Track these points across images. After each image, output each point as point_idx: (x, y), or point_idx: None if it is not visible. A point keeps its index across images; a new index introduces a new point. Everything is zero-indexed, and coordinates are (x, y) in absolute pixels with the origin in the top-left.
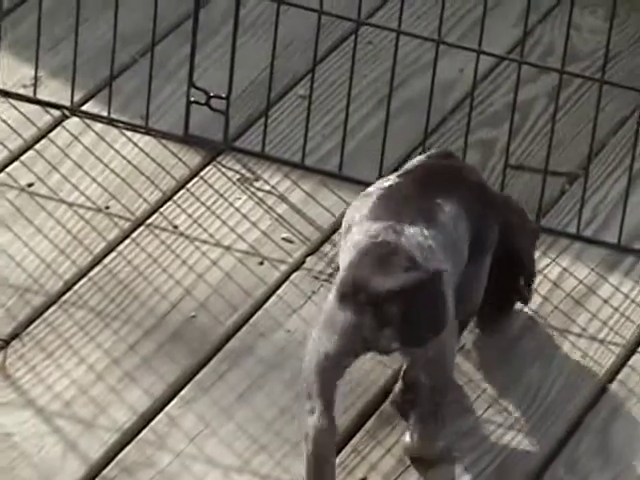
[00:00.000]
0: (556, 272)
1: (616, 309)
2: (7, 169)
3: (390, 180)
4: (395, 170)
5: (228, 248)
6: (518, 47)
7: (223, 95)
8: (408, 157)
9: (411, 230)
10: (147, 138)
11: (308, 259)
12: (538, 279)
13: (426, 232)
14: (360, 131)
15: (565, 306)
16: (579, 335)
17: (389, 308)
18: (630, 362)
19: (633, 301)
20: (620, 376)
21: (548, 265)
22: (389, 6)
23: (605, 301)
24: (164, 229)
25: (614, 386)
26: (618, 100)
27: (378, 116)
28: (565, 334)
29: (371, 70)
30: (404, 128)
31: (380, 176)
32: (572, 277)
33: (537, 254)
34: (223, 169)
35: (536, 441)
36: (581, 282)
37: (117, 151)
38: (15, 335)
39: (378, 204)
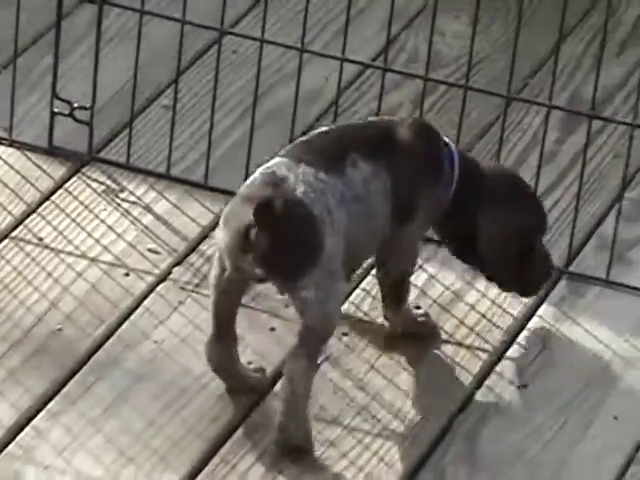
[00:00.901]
0: (423, 279)
1: (483, 315)
2: None
3: (326, 127)
4: None
5: (94, 260)
6: (383, 54)
7: (87, 106)
8: None
9: (306, 169)
10: (11, 150)
11: (175, 270)
12: None
13: (322, 176)
14: (225, 141)
15: (432, 313)
16: (446, 341)
17: (254, 233)
18: (497, 368)
19: (500, 307)
20: (488, 382)
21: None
22: (253, 14)
23: (472, 307)
24: (29, 242)
25: (482, 392)
26: (483, 106)
27: (243, 125)
28: (432, 340)
29: (236, 79)
30: (269, 137)
31: None
32: (439, 284)
33: None
34: (88, 180)
35: (404, 448)
36: (448, 288)
37: None
38: None
39: (297, 145)
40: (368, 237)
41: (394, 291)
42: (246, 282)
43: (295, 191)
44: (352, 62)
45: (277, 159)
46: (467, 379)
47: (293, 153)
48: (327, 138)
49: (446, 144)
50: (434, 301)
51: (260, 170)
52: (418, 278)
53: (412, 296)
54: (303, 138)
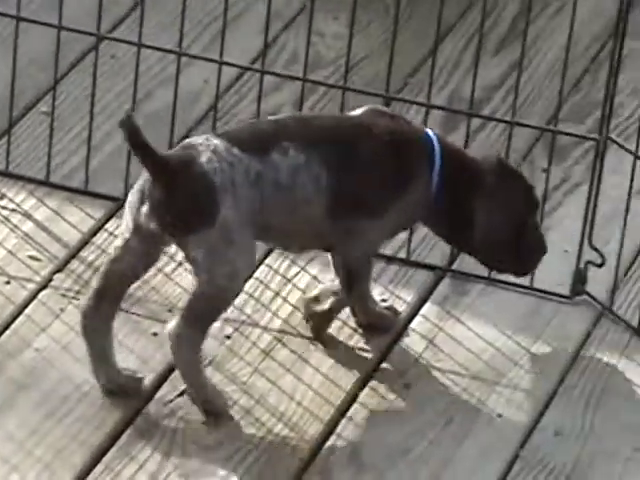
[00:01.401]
0: (305, 280)
1: None
2: None
3: (282, 115)
4: None
5: None
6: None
7: None
8: None
9: (220, 142)
10: None
11: (56, 277)
12: (288, 288)
13: (235, 151)
14: (105, 146)
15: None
16: (330, 343)
17: (149, 188)
18: (381, 368)
19: (384, 300)
20: (372, 383)
21: (297, 274)
22: (132, 18)
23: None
24: None
25: (366, 393)
26: (363, 105)
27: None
28: (316, 342)
29: (115, 84)
30: (150, 141)
31: (126, 192)
32: (321, 285)
33: (285, 264)
34: None
35: (289, 451)
36: None
37: None
38: None
39: (239, 125)
40: (297, 225)
41: (346, 282)
42: (140, 256)
43: (198, 155)
44: (230, 65)
45: (212, 134)
46: (351, 380)
47: (227, 130)
48: (273, 123)
49: (426, 138)
50: None
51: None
52: (301, 279)
53: (294, 299)
54: (254, 120)
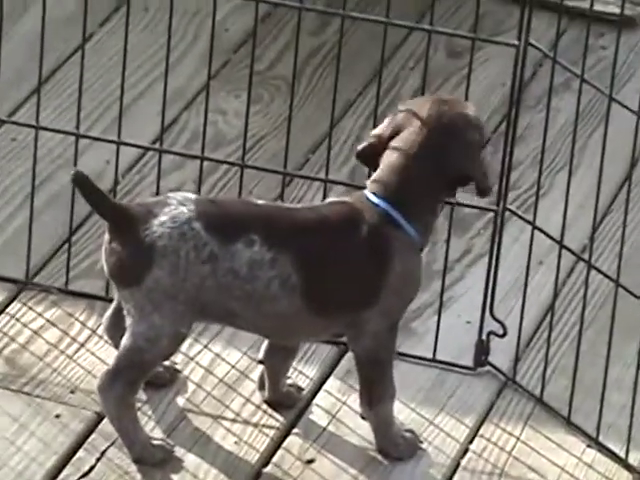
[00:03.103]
0: (208, 358)
1: None
2: None
3: (265, 202)
4: None
5: None
6: (165, 135)
7: None
8: (54, 254)
9: (185, 212)
10: None
11: None
12: (190, 366)
13: (195, 225)
14: (6, 229)
15: (218, 392)
16: (233, 420)
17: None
18: (284, 444)
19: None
20: (275, 459)
21: (200, 352)
22: (32, 102)
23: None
24: None
25: (269, 469)
26: (266, 183)
27: (24, 212)
28: (219, 420)
29: (16, 167)
30: (51, 223)
31: (27, 275)
32: (224, 362)
33: (189, 342)
34: None
35: None
36: (233, 367)
37: None
38: None
39: (222, 202)
40: (268, 320)
41: (363, 384)
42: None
43: (156, 215)
44: (129, 145)
45: (193, 195)
46: (254, 457)
47: (209, 201)
48: (252, 209)
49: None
50: (220, 380)
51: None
52: (203, 357)
53: (197, 377)
54: (229, 198)
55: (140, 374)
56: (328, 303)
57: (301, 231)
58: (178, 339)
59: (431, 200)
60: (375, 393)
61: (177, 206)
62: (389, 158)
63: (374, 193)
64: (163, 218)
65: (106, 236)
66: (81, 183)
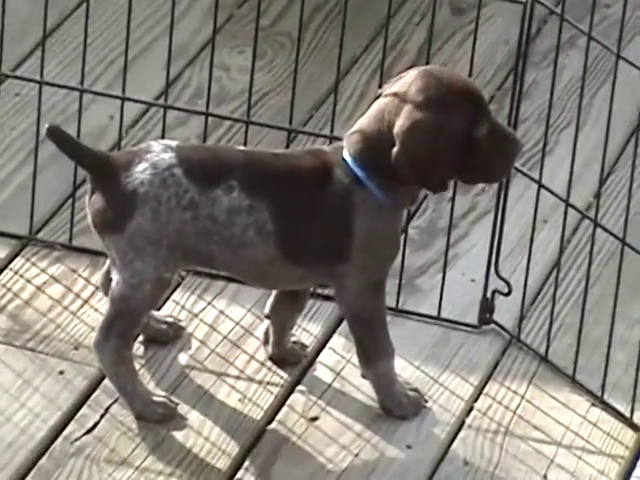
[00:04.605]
0: (212, 315)
1: None
2: None
3: (249, 149)
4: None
5: None
6: (169, 90)
7: None
8: (58, 210)
9: (168, 159)
10: None
11: None
12: (194, 323)
13: (176, 171)
14: (10, 184)
15: (222, 349)
16: (237, 377)
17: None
18: (289, 401)
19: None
20: (279, 416)
21: (204, 309)
22: (37, 55)
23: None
24: None
25: (273, 426)
26: (269, 139)
27: (28, 168)
28: (223, 377)
29: (20, 122)
30: (54, 179)
31: (30, 230)
32: (228, 319)
33: (193, 298)
34: None
35: None
36: (238, 324)
37: None
38: None
39: (203, 148)
40: (246, 265)
41: (356, 342)
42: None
43: (138, 162)
44: (134, 101)
45: (174, 143)
46: (259, 414)
47: (190, 147)
48: (234, 156)
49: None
50: (225, 337)
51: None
52: (208, 314)
53: (201, 334)
54: (223, 146)
55: (130, 324)
56: (301, 252)
57: (277, 179)
58: (162, 284)
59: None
60: (369, 351)
61: (159, 153)
62: (367, 117)
63: (347, 149)
64: (144, 165)
65: (88, 186)
66: (56, 136)
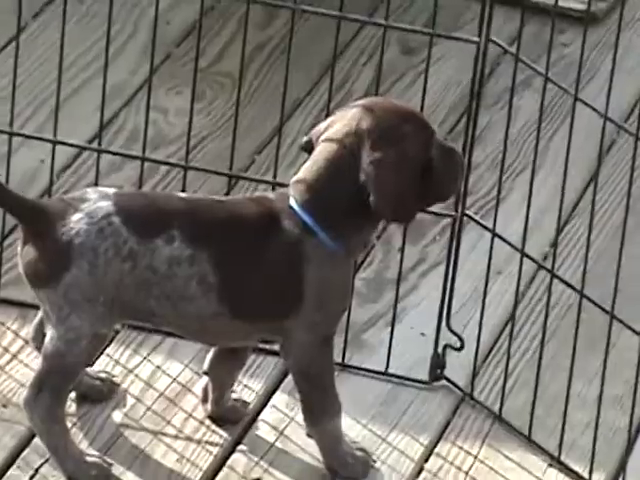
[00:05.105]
0: (148, 371)
1: None
2: None
3: (190, 196)
4: None
5: None
6: (102, 133)
7: None
8: None
9: (104, 208)
10: None
11: None
12: (129, 379)
13: (116, 221)
14: None
15: (159, 406)
16: (175, 436)
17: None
18: (229, 462)
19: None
20: (219, 478)
21: (139, 364)
22: None
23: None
24: None
25: None
26: (210, 184)
27: None
28: (160, 436)
29: None
30: None
31: None
32: (165, 375)
33: (128, 353)
34: None
35: None
36: (175, 380)
37: None
38: None
39: (142, 196)
40: (188, 321)
41: (302, 399)
42: None
43: (73, 212)
44: (65, 144)
45: (112, 190)
46: (197, 475)
47: (128, 195)
48: (175, 204)
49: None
50: (161, 394)
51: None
52: (143, 370)
53: (137, 391)
54: (150, 192)
55: (64, 381)
56: (246, 306)
57: (220, 228)
58: (99, 340)
59: (352, 214)
60: (315, 409)
61: (95, 201)
62: (313, 162)
63: (294, 196)
64: (80, 214)
65: (20, 235)
66: None
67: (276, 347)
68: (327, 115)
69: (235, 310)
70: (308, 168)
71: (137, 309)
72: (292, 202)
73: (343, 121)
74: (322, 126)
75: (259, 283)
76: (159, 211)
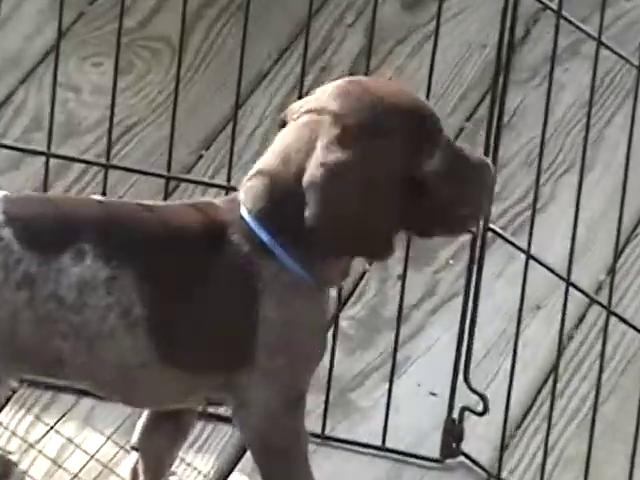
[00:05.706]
0: (56, 445)
1: None
2: None
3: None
4: None
5: None
6: None
7: None
8: None
9: None
10: None
11: None
12: (31, 455)
13: (5, 233)
14: None
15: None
16: None
17: None
18: None
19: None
20: None
21: (44, 436)
22: None
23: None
24: None
25: None
26: (140, 187)
27: None
28: None
29: None
30: None
31: None
32: (79, 451)
33: (29, 420)
34: None
35: None
36: (93, 457)
37: None
38: None
39: (46, 199)
40: (107, 371)
41: (262, 476)
42: None
43: None
44: None
45: (2, 193)
46: None
47: (18, 200)
48: (86, 207)
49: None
50: (75, 476)
51: None
52: (49, 444)
53: (44, 469)
54: (53, 195)
55: None
56: (182, 351)
57: (148, 242)
58: None
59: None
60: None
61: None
62: (270, 156)
63: (245, 203)
64: None
65: None
66: None
67: (229, 412)
68: (300, 94)
69: (168, 355)
70: (263, 164)
71: (38, 356)
72: (243, 211)
73: (312, 101)
74: (300, 103)
75: (199, 320)
76: (64, 219)
